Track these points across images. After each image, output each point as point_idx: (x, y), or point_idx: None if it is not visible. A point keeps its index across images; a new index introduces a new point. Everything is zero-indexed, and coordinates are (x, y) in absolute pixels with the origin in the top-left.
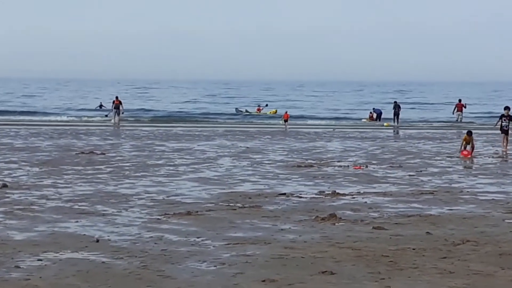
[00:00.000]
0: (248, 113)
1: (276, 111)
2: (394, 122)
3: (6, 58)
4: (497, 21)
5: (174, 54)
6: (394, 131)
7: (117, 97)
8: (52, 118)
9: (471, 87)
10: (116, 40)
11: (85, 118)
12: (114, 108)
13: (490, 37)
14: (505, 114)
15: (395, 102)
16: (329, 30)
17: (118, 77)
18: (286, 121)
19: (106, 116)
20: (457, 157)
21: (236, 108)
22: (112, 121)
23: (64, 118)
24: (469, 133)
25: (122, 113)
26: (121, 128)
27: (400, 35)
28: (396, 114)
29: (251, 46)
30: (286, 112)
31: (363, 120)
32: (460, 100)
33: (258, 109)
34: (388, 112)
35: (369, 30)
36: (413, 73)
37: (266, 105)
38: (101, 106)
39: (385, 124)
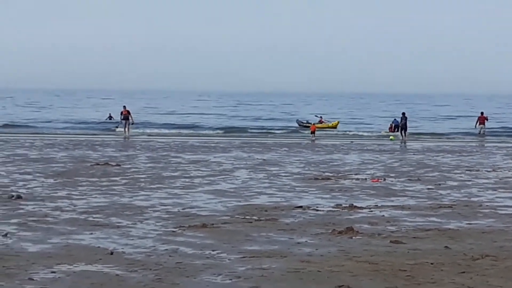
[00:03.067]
0: (309, 124)
1: (338, 122)
2: (401, 135)
3: None
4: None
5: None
6: (402, 143)
7: (124, 107)
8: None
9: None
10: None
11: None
12: (123, 119)
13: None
14: None
15: (403, 113)
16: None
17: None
18: (313, 133)
19: (117, 128)
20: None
21: (297, 120)
22: (124, 133)
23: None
24: None
25: (132, 123)
26: (136, 139)
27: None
28: (403, 126)
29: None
30: (313, 124)
31: (383, 131)
32: (482, 113)
33: (320, 121)
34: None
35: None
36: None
37: (321, 117)
38: (110, 117)
39: (391, 137)
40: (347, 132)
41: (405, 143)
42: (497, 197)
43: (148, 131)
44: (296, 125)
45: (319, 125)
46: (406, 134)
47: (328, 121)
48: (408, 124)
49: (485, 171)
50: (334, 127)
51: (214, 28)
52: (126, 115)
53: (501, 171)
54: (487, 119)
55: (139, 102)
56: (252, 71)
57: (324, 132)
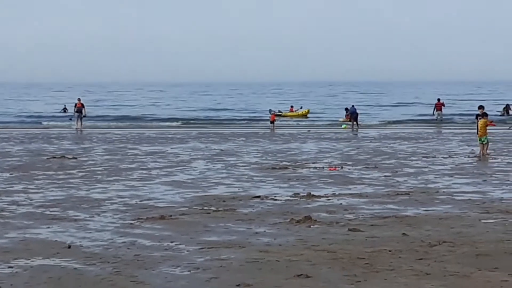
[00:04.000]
0: (280, 113)
1: (309, 110)
2: (353, 124)
3: None
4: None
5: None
6: (353, 132)
7: (79, 99)
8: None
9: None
10: None
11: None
12: (77, 111)
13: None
14: (480, 113)
15: (352, 106)
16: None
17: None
18: (272, 122)
19: (70, 119)
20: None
21: (270, 110)
22: (75, 126)
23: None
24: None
25: (84, 116)
26: (92, 131)
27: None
28: (353, 116)
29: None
30: (273, 113)
31: (340, 119)
32: (439, 100)
33: (291, 110)
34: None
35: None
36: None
37: (301, 107)
38: (65, 109)
39: (343, 126)
40: (303, 122)
41: (356, 131)
42: (453, 183)
43: (100, 124)
44: (269, 114)
45: (290, 114)
46: (358, 123)
47: (297, 110)
48: (358, 113)
49: (441, 157)
50: (305, 115)
51: (167, 23)
52: (79, 108)
53: (457, 157)
54: (443, 105)
55: (93, 95)
56: (203, 62)
57: (281, 121)
